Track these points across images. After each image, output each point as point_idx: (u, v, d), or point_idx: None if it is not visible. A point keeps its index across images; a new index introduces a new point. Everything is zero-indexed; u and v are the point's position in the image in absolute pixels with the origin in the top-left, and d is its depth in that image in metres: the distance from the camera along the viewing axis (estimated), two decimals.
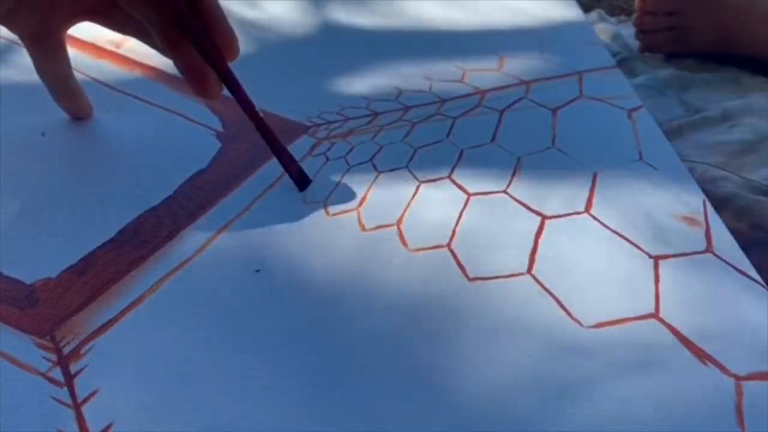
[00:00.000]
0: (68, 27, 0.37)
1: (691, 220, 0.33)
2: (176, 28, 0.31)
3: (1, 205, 0.35)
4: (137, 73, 0.46)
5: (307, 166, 0.37)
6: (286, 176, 0.36)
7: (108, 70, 0.46)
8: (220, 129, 0.41)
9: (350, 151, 0.39)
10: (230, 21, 0.33)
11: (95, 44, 0.48)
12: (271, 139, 0.34)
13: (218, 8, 0.33)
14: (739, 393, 0.25)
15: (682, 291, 0.29)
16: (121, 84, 0.45)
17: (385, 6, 0.57)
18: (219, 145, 0.40)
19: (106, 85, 0.45)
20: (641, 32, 0.73)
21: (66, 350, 0.27)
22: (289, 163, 0.35)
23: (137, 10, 0.32)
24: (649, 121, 0.41)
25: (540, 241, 0.32)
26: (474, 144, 0.39)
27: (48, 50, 0.37)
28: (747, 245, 0.32)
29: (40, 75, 0.38)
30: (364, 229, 0.33)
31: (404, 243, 0.32)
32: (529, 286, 0.30)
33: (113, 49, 0.48)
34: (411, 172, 0.37)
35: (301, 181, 0.35)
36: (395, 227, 0.33)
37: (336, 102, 0.43)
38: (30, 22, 0.36)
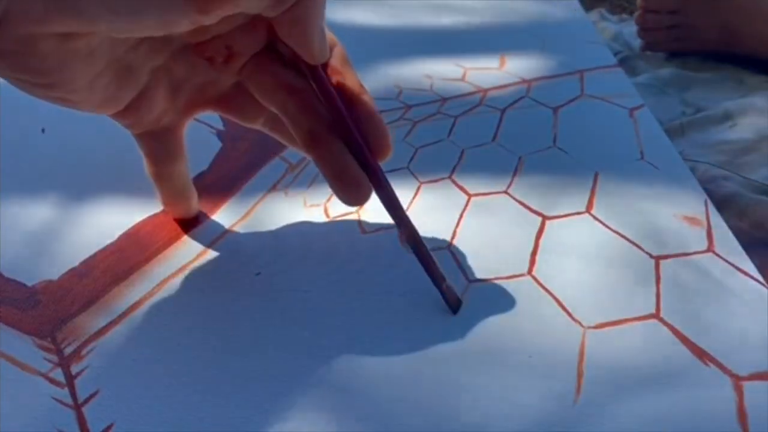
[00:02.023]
0: (189, 120, 0.31)
1: (692, 220, 0.33)
2: (324, 126, 0.27)
3: (2, 205, 0.35)
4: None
5: (308, 168, 0.37)
6: (287, 178, 0.36)
7: None
8: (221, 127, 0.41)
9: None
10: None
11: None
12: (425, 258, 0.29)
13: (374, 105, 0.27)
14: (740, 393, 0.25)
15: (683, 291, 0.29)
16: None
17: (386, 4, 0.57)
18: (220, 144, 0.40)
19: None
20: (643, 30, 0.73)
21: (67, 351, 0.27)
22: (441, 283, 0.29)
23: (278, 102, 0.27)
24: (651, 120, 0.41)
25: (541, 241, 0.32)
26: (475, 143, 0.39)
27: (166, 148, 0.31)
28: (748, 245, 0.32)
29: (152, 175, 0.31)
30: (364, 232, 0.33)
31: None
32: (530, 287, 0.30)
33: None
34: (412, 173, 0.37)
35: (454, 303, 0.29)
36: (396, 230, 0.33)
37: None
38: (150, 116, 0.29)
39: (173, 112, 0.30)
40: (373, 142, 0.27)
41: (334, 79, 0.27)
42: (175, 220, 0.34)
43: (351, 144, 0.27)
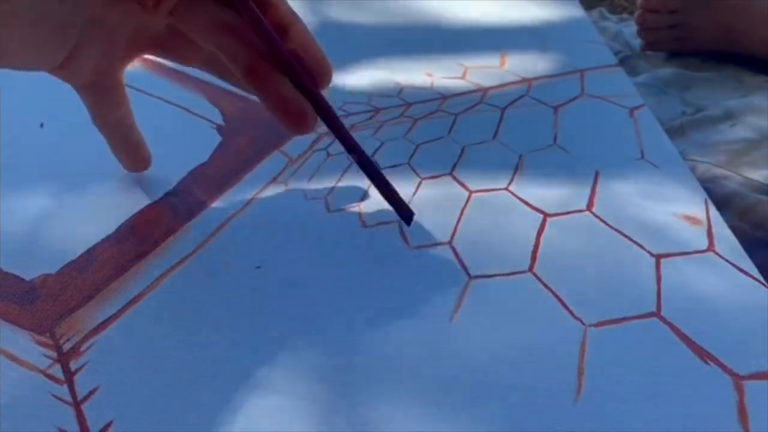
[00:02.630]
0: (126, 65, 0.32)
1: (692, 219, 0.33)
2: (262, 59, 0.27)
3: (0, 199, 0.35)
4: (137, 64, 0.46)
5: (308, 162, 0.37)
6: (287, 171, 0.36)
7: None
8: (221, 122, 0.41)
9: None
10: None
11: None
12: (377, 178, 0.30)
13: (308, 32, 0.28)
14: (740, 392, 0.25)
15: (683, 290, 0.29)
16: None
17: (387, 2, 0.57)
18: (219, 138, 0.40)
19: None
20: (643, 30, 0.73)
21: (66, 347, 0.27)
22: (399, 203, 0.31)
23: (214, 40, 0.27)
24: (651, 120, 0.41)
25: (541, 239, 0.32)
26: (475, 141, 0.39)
27: (106, 95, 0.31)
28: (748, 244, 0.32)
29: (97, 124, 0.32)
30: (365, 226, 0.33)
31: (405, 240, 0.32)
32: (531, 285, 0.30)
33: None
34: (412, 169, 0.37)
35: (406, 214, 0.31)
36: (396, 224, 0.33)
37: (337, 97, 0.43)
38: (86, 68, 0.29)
39: (110, 61, 0.30)
40: (312, 69, 0.28)
41: (266, 9, 0.27)
42: (174, 217, 0.34)
43: (290, 74, 0.27)
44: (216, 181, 0.36)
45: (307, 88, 0.27)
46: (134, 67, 0.45)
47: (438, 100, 0.44)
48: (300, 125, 0.28)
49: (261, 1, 0.27)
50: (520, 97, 0.44)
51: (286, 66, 0.27)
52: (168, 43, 0.31)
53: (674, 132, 0.56)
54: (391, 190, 0.30)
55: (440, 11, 0.56)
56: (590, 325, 0.28)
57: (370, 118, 0.42)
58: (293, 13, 0.28)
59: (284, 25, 0.27)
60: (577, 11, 0.57)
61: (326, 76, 0.28)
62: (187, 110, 0.42)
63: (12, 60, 0.27)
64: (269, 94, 0.27)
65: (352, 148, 0.29)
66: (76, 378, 0.26)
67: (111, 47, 0.29)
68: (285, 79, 0.27)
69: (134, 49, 0.31)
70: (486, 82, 0.45)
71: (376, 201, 0.34)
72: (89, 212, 0.34)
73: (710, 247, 0.32)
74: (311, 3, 0.56)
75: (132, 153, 0.34)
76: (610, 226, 0.33)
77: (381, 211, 0.34)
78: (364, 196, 0.35)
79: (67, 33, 0.27)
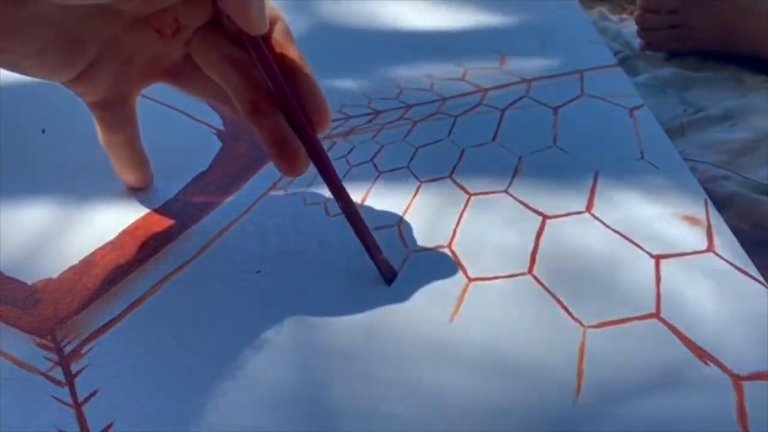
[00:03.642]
0: (141, 90, 0.32)
1: (692, 220, 0.33)
2: (265, 97, 0.28)
3: (2, 204, 0.35)
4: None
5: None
6: (285, 177, 0.36)
7: None
8: (221, 127, 0.41)
9: (351, 150, 0.39)
10: None
11: None
12: (360, 229, 0.30)
13: (314, 77, 0.29)
14: (740, 393, 0.25)
15: (683, 291, 0.29)
16: None
17: (387, 4, 0.57)
18: (220, 144, 0.40)
19: None
20: (643, 30, 0.73)
21: (67, 350, 0.27)
22: (376, 254, 0.30)
23: (220, 73, 0.28)
24: (651, 120, 0.41)
25: (541, 240, 0.32)
26: (475, 143, 0.39)
27: (117, 115, 0.32)
28: (749, 245, 0.32)
29: (104, 142, 0.33)
30: None
31: (405, 243, 0.32)
32: (530, 286, 0.30)
33: None
34: (412, 172, 0.37)
35: (389, 274, 0.30)
36: (396, 227, 0.33)
37: (337, 100, 0.43)
38: (101, 85, 0.30)
39: (125, 83, 0.31)
40: (312, 114, 0.28)
41: (276, 51, 0.28)
42: (175, 223, 0.34)
43: (291, 115, 0.28)
44: (216, 187, 0.36)
45: (304, 132, 0.28)
46: None
47: (438, 101, 0.44)
48: (293, 166, 0.28)
49: (271, 43, 0.28)
50: (520, 98, 0.44)
51: (288, 107, 0.28)
52: (182, 73, 0.31)
53: (674, 132, 0.56)
54: (374, 245, 0.30)
55: (439, 13, 0.56)
56: (590, 326, 0.28)
57: (370, 120, 0.42)
58: (302, 57, 0.29)
59: (292, 68, 0.28)
60: (577, 11, 0.57)
61: (325, 124, 0.29)
62: (188, 115, 0.42)
63: (29, 67, 0.28)
64: (267, 132, 0.28)
65: (339, 194, 0.29)
66: (77, 380, 0.26)
67: (127, 69, 0.30)
68: (284, 119, 0.28)
69: (150, 74, 0.31)
70: (486, 83, 0.45)
71: (375, 205, 0.34)
72: (90, 218, 0.34)
73: (710, 247, 0.32)
74: (311, 4, 0.56)
75: (135, 172, 0.35)
76: (610, 227, 0.33)
77: (381, 216, 0.34)
78: (362, 201, 0.35)
79: (85, 48, 0.28)
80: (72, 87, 0.30)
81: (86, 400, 0.25)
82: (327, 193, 0.35)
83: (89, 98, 0.31)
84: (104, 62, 0.29)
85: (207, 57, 0.29)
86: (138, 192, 0.35)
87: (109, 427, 0.24)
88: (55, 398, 0.25)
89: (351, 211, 0.29)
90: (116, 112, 0.32)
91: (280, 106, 0.28)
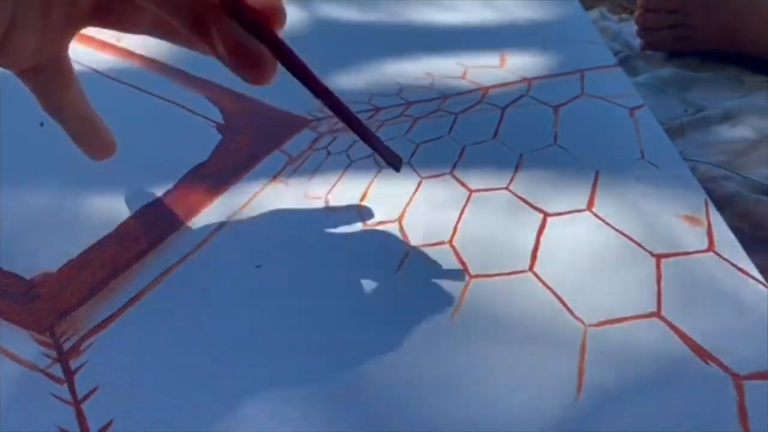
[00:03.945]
0: (69, 42, 0.29)
1: (692, 220, 0.33)
2: (208, 6, 0.25)
3: (0, 198, 0.35)
4: (137, 63, 0.46)
5: (309, 161, 0.37)
6: (287, 170, 0.36)
7: (108, 60, 0.46)
8: (221, 121, 0.41)
9: (352, 145, 0.39)
10: None
11: (94, 37, 0.48)
12: (351, 119, 0.28)
13: None
14: (740, 392, 0.25)
15: (683, 290, 0.29)
16: (120, 75, 0.45)
17: (388, 1, 0.57)
18: (219, 137, 0.40)
19: (106, 75, 0.45)
20: (643, 30, 0.73)
21: (66, 346, 0.27)
22: (376, 143, 0.28)
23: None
24: (651, 120, 0.41)
25: (542, 238, 0.32)
26: (476, 140, 0.39)
27: (52, 77, 0.29)
28: (748, 244, 0.32)
29: (47, 110, 0.30)
30: (365, 224, 0.33)
31: (406, 238, 0.32)
32: (531, 284, 0.30)
33: (114, 42, 0.48)
34: (413, 168, 0.37)
35: (393, 160, 0.29)
36: (397, 223, 0.33)
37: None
38: (25, 49, 0.27)
39: (51, 38, 0.28)
40: (265, 10, 0.25)
41: None
42: (174, 216, 0.34)
43: (241, 20, 0.25)
44: (216, 180, 0.36)
45: (261, 32, 0.25)
46: (135, 67, 0.46)
47: (438, 99, 0.43)
48: (259, 73, 0.25)
49: None
50: (521, 96, 0.44)
51: (235, 10, 0.25)
52: (109, 11, 0.28)
53: (674, 132, 0.56)
54: (374, 137, 0.28)
55: (440, 11, 0.56)
56: (590, 325, 0.28)
57: (371, 117, 0.42)
58: None
59: None
60: (577, 11, 0.57)
61: (279, 16, 0.25)
62: (188, 109, 0.42)
63: None
64: (221, 43, 0.25)
65: (321, 92, 0.27)
66: (76, 377, 0.26)
67: (48, 24, 0.27)
68: (236, 24, 0.25)
69: (75, 21, 0.28)
70: (486, 82, 0.45)
71: (376, 200, 0.34)
72: (89, 211, 0.34)
73: (710, 247, 0.32)
74: (311, 2, 0.56)
75: (92, 139, 0.31)
76: (611, 226, 0.33)
77: (381, 211, 0.34)
78: (364, 195, 0.35)
79: None
80: None
81: (86, 397, 0.25)
82: (327, 185, 0.35)
83: (17, 67, 0.28)
84: (23, 24, 0.26)
85: None
86: (136, 184, 0.35)
87: (108, 424, 0.24)
88: (54, 395, 0.25)
89: (337, 106, 0.27)
90: (50, 74, 0.29)
91: (226, 12, 0.25)
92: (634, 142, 0.39)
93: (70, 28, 0.28)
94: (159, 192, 0.35)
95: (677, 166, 0.37)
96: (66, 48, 0.29)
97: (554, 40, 0.51)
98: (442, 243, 0.32)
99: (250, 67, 0.25)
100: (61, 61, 0.29)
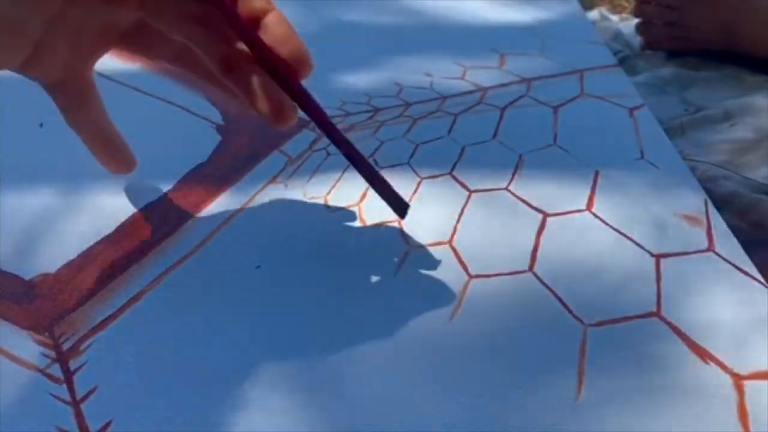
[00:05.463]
0: (95, 62, 0.30)
1: (692, 219, 0.33)
2: (238, 51, 0.26)
3: (0, 198, 0.35)
4: (137, 64, 0.46)
5: (308, 161, 0.37)
6: (287, 171, 0.36)
7: (108, 61, 0.46)
8: (221, 122, 0.41)
9: None
10: None
11: None
12: (367, 171, 0.29)
13: (286, 21, 0.27)
14: (740, 392, 0.25)
15: (683, 290, 0.29)
16: (120, 76, 0.45)
17: (387, 2, 0.57)
18: (219, 138, 0.40)
19: (106, 77, 0.45)
20: (642, 24, 0.73)
21: (65, 347, 0.27)
22: (384, 189, 0.29)
23: (185, 32, 0.26)
24: (651, 120, 0.41)
25: (542, 238, 0.32)
26: (475, 141, 0.39)
27: (76, 94, 0.30)
28: (748, 244, 0.32)
29: (70, 124, 0.31)
30: (365, 225, 0.33)
31: (405, 239, 0.32)
32: (531, 284, 0.30)
33: None
34: (412, 168, 0.37)
35: (400, 207, 0.29)
36: (396, 223, 0.33)
37: (337, 97, 0.43)
38: (53, 65, 0.28)
39: (78, 58, 0.29)
40: (291, 60, 0.26)
41: (238, 1, 0.26)
42: (173, 217, 0.34)
43: (269, 67, 0.26)
44: (215, 180, 0.36)
45: (286, 80, 0.26)
46: (135, 67, 0.45)
47: (438, 100, 0.43)
48: (281, 119, 0.26)
49: None
50: (520, 97, 0.44)
51: (263, 57, 0.26)
52: (137, 38, 0.30)
53: (674, 132, 0.56)
54: (383, 183, 0.29)
55: (440, 11, 0.56)
56: (590, 325, 0.28)
57: (370, 118, 0.42)
58: (269, 2, 0.27)
59: (259, 16, 0.26)
60: (576, 11, 0.57)
61: (306, 67, 0.26)
62: (187, 110, 0.42)
63: None
64: (246, 87, 0.26)
65: (339, 142, 0.28)
66: (75, 377, 0.26)
67: (78, 44, 0.28)
68: (262, 71, 0.26)
69: (102, 45, 0.30)
70: (485, 82, 0.45)
71: (376, 201, 0.34)
72: (88, 211, 0.34)
73: (710, 247, 0.32)
74: (311, 3, 0.56)
75: (111, 154, 0.33)
76: (610, 226, 0.33)
77: (381, 211, 0.34)
78: (364, 196, 0.35)
79: (26, 30, 0.26)
80: (24, 73, 0.28)
81: (85, 397, 0.25)
82: (327, 186, 0.35)
83: (44, 80, 0.29)
84: (52, 41, 0.27)
85: (167, 18, 0.26)
86: (135, 185, 0.35)
87: (107, 424, 0.24)
88: (53, 395, 0.25)
89: (354, 156, 0.28)
90: (74, 91, 0.30)
91: (255, 59, 0.26)
92: (633, 142, 0.39)
93: (97, 53, 0.30)
94: (159, 193, 0.35)
95: (677, 165, 0.37)
96: (90, 69, 0.30)
97: (554, 40, 0.51)
98: (442, 243, 0.32)
99: (272, 113, 0.26)
100: (84, 79, 0.30)
